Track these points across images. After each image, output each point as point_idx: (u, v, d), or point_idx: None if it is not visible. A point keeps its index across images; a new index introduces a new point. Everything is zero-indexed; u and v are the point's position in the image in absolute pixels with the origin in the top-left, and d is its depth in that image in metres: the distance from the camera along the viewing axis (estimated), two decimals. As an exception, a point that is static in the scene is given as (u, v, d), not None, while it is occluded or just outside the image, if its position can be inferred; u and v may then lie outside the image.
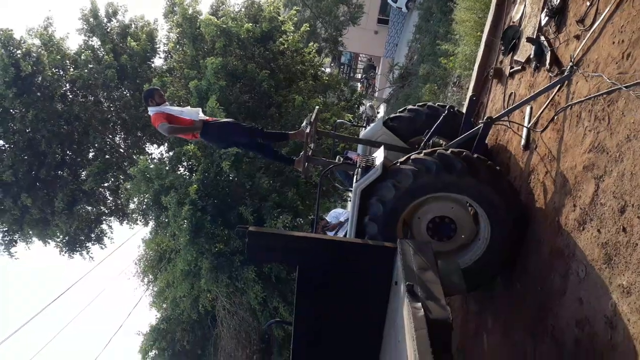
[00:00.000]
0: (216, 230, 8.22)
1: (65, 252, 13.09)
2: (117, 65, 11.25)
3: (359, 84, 26.83)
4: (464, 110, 7.09)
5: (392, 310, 3.49)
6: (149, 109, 5.28)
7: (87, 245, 13.28)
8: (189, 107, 5.69)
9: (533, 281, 3.98)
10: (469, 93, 7.08)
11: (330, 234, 5.37)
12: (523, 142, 4.60)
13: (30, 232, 11.90)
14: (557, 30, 4.23)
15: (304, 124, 5.04)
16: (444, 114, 5.18)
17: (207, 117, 5.39)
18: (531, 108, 4.53)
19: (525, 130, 4.59)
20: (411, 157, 4.21)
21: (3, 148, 10.71)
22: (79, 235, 12.91)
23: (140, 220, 11.09)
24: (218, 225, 8.32)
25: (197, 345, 12.23)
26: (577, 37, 3.79)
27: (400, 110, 5.85)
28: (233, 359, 10.52)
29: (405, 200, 4.21)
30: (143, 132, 11.85)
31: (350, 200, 5.25)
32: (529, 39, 4.55)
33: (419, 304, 2.81)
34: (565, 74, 3.79)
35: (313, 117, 5.08)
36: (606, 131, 3.14)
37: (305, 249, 3.53)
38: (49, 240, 12.72)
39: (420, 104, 5.82)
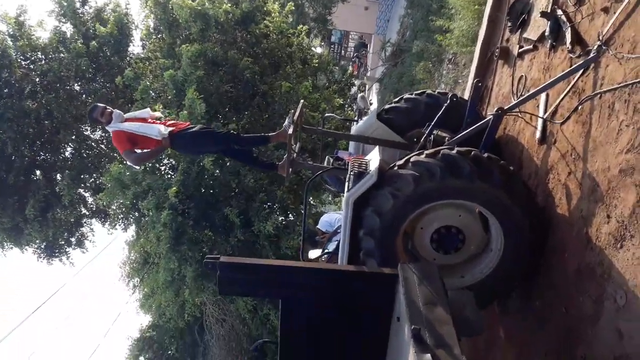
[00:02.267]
0: (200, 235, 7.68)
1: (43, 259, 12.59)
2: (86, 53, 10.52)
3: (350, 64, 26.07)
4: (466, 96, 6.55)
5: (393, 349, 2.98)
6: (107, 127, 4.71)
7: (67, 250, 12.77)
8: (138, 110, 5.07)
9: (556, 300, 3.47)
10: (471, 74, 6.50)
11: (330, 246, 4.82)
12: (538, 134, 4.05)
13: (6, 239, 11.36)
14: (578, 2, 3.64)
15: (285, 122, 4.47)
16: (446, 104, 4.61)
17: (171, 123, 4.79)
18: (547, 95, 3.97)
19: (540, 121, 4.04)
20: (411, 160, 3.67)
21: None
22: (58, 239, 12.38)
23: (119, 225, 10.53)
24: (202, 229, 7.78)
25: (186, 353, 11.84)
26: (605, 10, 3.22)
27: (396, 100, 5.28)
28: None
29: (406, 211, 3.68)
30: None
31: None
32: (543, 14, 3.97)
33: (428, 356, 2.31)
34: (592, 55, 3.22)
35: (296, 114, 4.51)
36: (650, 128, 2.60)
37: (289, 281, 3.00)
38: (26, 247, 12.21)
39: (418, 92, 5.24)
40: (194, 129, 4.74)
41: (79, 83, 10.61)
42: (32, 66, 10.91)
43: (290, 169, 4.35)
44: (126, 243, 11.97)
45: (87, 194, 12.29)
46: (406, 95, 5.26)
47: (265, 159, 5.09)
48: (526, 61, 4.63)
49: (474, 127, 4.10)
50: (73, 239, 12.74)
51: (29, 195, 10.00)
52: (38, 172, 10.65)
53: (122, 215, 9.61)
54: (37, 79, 10.83)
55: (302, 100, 4.86)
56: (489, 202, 3.59)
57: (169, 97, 8.47)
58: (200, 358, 11.95)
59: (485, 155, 3.64)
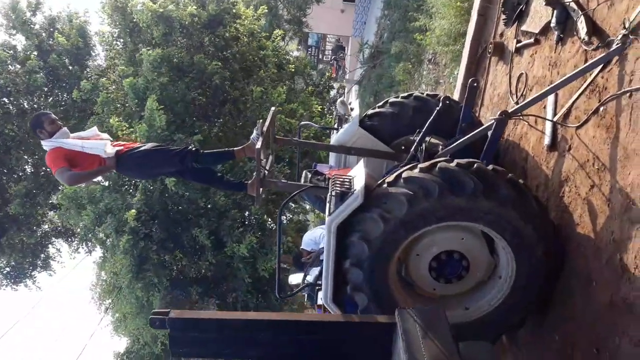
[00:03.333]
0: (167, 258, 7.00)
1: (7, 285, 11.74)
2: (44, 67, 9.78)
3: (328, 67, 25.60)
4: (455, 97, 6.04)
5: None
6: (42, 143, 4.01)
7: (33, 274, 11.93)
8: (85, 131, 4.39)
9: (581, 336, 2.94)
10: (460, 74, 6.00)
11: (311, 274, 4.22)
12: (547, 139, 3.54)
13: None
14: (592, -15, 3.14)
15: (253, 135, 3.87)
16: (437, 108, 4.07)
17: (118, 144, 4.15)
18: (556, 95, 3.45)
19: (548, 124, 3.52)
20: (403, 175, 3.11)
21: None
22: (22, 263, 11.55)
23: (82, 248, 9.76)
24: (169, 252, 7.09)
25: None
26: (629, -7, 2.71)
27: (380, 104, 4.73)
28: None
29: (399, 236, 3.12)
30: None
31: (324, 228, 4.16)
32: (548, 2, 3.46)
33: None
34: (615, 46, 2.70)
35: (266, 124, 3.91)
36: None
37: (260, 338, 2.39)
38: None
39: (404, 95, 4.70)
40: (143, 148, 4.10)
41: (34, 98, 9.79)
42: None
43: (261, 189, 3.74)
44: (94, 263, 11.18)
45: (50, 212, 11.50)
46: (391, 99, 4.72)
47: (232, 178, 4.46)
48: (526, 57, 4.13)
49: (472, 133, 3.58)
50: (39, 261, 11.95)
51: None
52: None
53: (84, 237, 8.84)
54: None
55: (273, 108, 4.26)
56: (496, 222, 3.06)
57: (132, 107, 7.77)
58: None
59: (490, 167, 3.10)
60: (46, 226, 12.06)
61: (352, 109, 4.76)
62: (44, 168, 10.02)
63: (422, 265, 3.37)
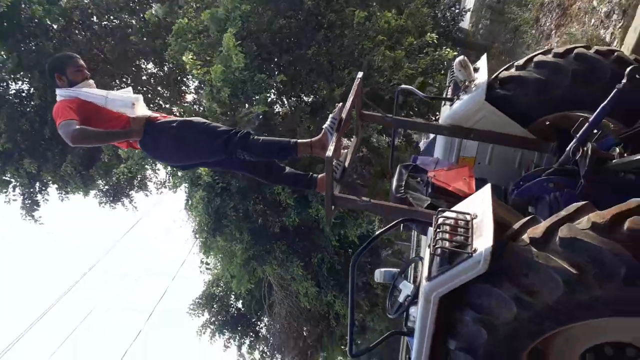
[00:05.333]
0: (248, 208, 6.33)
1: (106, 203, 12.26)
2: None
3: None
4: (626, 48, 4.25)
5: None
6: (57, 92, 3.16)
7: (130, 193, 12.32)
8: (122, 90, 3.45)
9: None
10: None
11: (406, 285, 3.21)
12: None
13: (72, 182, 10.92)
14: None
15: (327, 122, 2.74)
16: (619, 85, 2.59)
17: (153, 113, 3.22)
18: None
19: None
20: (561, 234, 1.88)
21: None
22: (121, 182, 11.91)
23: (168, 184, 9.57)
24: (250, 202, 6.43)
25: (252, 311, 11.18)
26: None
27: (520, 63, 3.29)
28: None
29: (541, 328, 1.99)
30: None
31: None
32: None
33: None
34: None
35: (348, 104, 2.75)
36: None
37: None
38: (90, 191, 11.90)
39: (559, 50, 3.19)
40: (185, 119, 3.18)
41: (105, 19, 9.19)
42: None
43: (334, 197, 2.66)
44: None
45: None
46: (538, 57, 3.24)
47: (299, 171, 3.37)
48: None
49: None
50: (135, 181, 12.26)
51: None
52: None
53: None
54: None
55: (359, 74, 3.01)
56: None
57: (211, 36, 6.81)
58: (267, 317, 11.35)
59: None
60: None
61: (476, 70, 3.38)
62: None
63: (572, 357, 2.21)
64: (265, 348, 11.43)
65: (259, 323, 11.82)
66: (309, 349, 9.26)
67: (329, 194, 2.58)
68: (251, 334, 11.79)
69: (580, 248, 1.83)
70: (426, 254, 2.29)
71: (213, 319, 11.58)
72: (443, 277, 2.04)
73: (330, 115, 2.76)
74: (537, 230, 1.98)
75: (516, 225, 2.10)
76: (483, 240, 2.00)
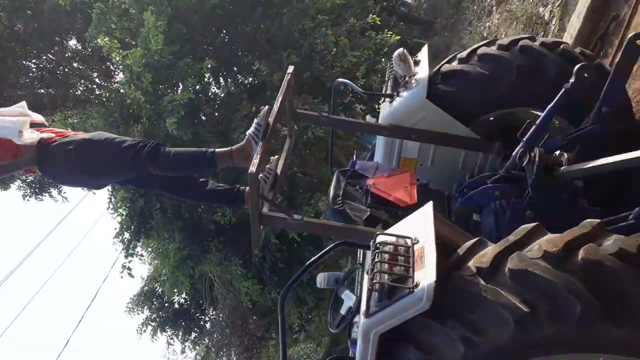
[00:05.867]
0: (176, 214, 5.94)
1: (30, 196, 11.52)
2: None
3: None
4: (564, 37, 4.13)
5: None
6: None
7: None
8: (13, 106, 2.96)
9: None
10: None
11: (348, 295, 2.94)
12: None
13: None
14: None
15: (251, 129, 2.41)
16: (567, 85, 2.41)
17: (51, 130, 2.77)
18: None
19: None
20: (510, 265, 1.69)
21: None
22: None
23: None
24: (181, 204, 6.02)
25: (195, 303, 10.77)
26: None
27: (463, 56, 3.06)
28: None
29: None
30: None
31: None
32: None
33: None
34: None
35: (276, 107, 2.43)
36: None
37: None
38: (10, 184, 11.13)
39: (503, 42, 2.99)
40: (84, 137, 2.75)
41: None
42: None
43: (261, 225, 2.35)
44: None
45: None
46: (481, 49, 3.03)
47: (223, 185, 2.99)
48: None
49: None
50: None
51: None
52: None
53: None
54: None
55: (290, 68, 2.69)
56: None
57: (134, 19, 6.21)
58: (212, 310, 10.97)
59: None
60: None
61: (417, 63, 3.13)
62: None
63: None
64: (210, 343, 11.10)
65: (203, 317, 11.43)
66: (254, 346, 9.01)
67: (255, 213, 2.26)
68: (195, 329, 11.40)
69: (531, 282, 1.64)
70: (364, 281, 2.05)
71: (154, 315, 11.09)
72: (382, 314, 1.79)
73: (255, 121, 2.43)
74: (484, 258, 1.77)
75: (461, 250, 1.89)
76: (425, 272, 1.76)
